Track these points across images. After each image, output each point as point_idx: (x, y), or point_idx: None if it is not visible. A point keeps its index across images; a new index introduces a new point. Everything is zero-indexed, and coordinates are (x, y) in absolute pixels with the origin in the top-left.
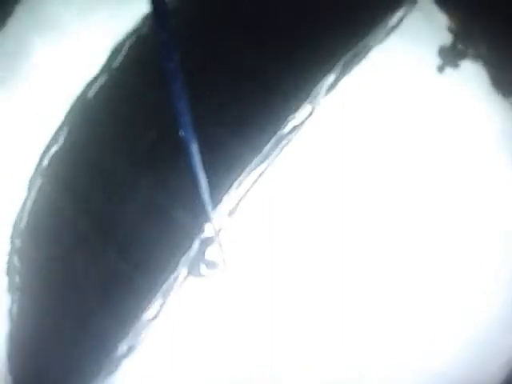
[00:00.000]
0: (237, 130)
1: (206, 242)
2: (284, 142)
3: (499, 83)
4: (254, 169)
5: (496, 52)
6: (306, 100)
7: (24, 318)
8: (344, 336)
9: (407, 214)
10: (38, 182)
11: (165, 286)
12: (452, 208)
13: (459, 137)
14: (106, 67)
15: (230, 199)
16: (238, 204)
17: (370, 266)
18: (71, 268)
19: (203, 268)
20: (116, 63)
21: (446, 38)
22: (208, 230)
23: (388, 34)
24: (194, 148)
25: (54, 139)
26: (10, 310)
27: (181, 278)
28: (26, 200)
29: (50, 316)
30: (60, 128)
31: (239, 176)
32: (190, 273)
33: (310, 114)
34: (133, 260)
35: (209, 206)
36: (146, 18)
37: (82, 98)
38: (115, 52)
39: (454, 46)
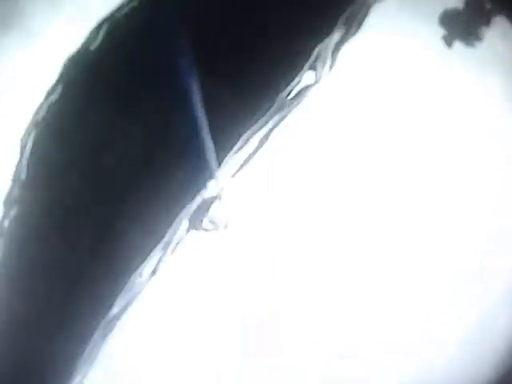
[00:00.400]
0: (239, 92)
1: (209, 199)
2: (288, 107)
3: None
4: (257, 132)
5: None
6: (309, 64)
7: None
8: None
9: (406, 197)
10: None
11: (164, 240)
12: (448, 197)
13: (465, 112)
14: (85, 48)
15: (232, 161)
16: (240, 165)
17: (368, 240)
18: (64, 225)
19: (206, 222)
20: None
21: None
22: (211, 188)
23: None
24: (199, 106)
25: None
26: None
27: (181, 231)
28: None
29: (41, 275)
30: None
31: (241, 138)
32: (191, 226)
33: (316, 81)
34: (129, 214)
35: (213, 165)
36: None
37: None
38: (94, 33)
39: (463, 14)
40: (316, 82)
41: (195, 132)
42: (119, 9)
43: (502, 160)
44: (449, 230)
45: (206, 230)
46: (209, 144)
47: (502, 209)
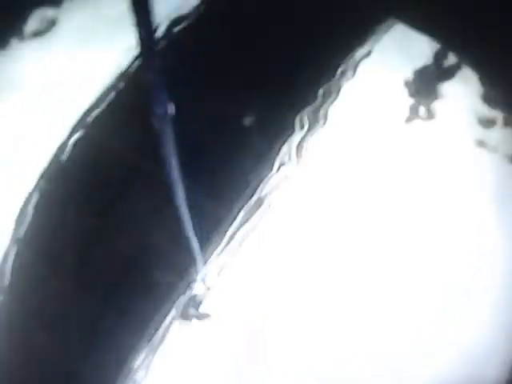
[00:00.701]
0: (212, 192)
1: (195, 299)
2: (265, 200)
3: (484, 100)
4: (237, 230)
5: (480, 69)
6: (278, 158)
7: None
8: (331, 346)
9: (400, 213)
10: (14, 248)
11: (151, 338)
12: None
13: (441, 157)
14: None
15: (215, 259)
16: (223, 264)
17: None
18: (54, 323)
19: (194, 321)
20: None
21: (426, 59)
22: (195, 288)
23: (358, 64)
24: (185, 208)
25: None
26: None
27: (168, 328)
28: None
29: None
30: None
31: (221, 238)
32: (180, 326)
33: (286, 176)
34: (116, 318)
35: (199, 266)
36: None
37: (56, 159)
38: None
39: (434, 65)
40: (286, 177)
41: (181, 235)
42: (90, 114)
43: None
44: (441, 246)
45: (192, 327)
46: (194, 245)
47: (494, 226)
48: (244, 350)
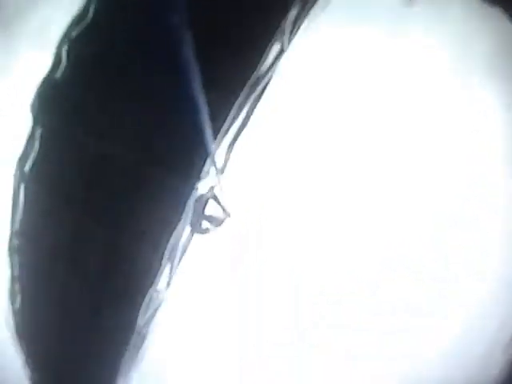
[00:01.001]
0: (209, 81)
1: (202, 199)
2: (260, 86)
3: None
4: (236, 118)
5: None
6: (273, 39)
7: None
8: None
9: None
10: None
11: (170, 251)
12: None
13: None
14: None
15: (217, 151)
16: (227, 155)
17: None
18: (72, 258)
19: (205, 223)
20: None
21: None
22: (201, 187)
23: None
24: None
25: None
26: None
27: (184, 238)
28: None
29: (56, 305)
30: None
31: (221, 128)
32: (192, 231)
33: (281, 53)
34: (131, 234)
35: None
36: None
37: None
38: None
39: None
40: (283, 52)
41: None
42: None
43: (475, 117)
44: (432, 175)
45: (206, 231)
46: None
47: (482, 157)
48: (238, 250)
